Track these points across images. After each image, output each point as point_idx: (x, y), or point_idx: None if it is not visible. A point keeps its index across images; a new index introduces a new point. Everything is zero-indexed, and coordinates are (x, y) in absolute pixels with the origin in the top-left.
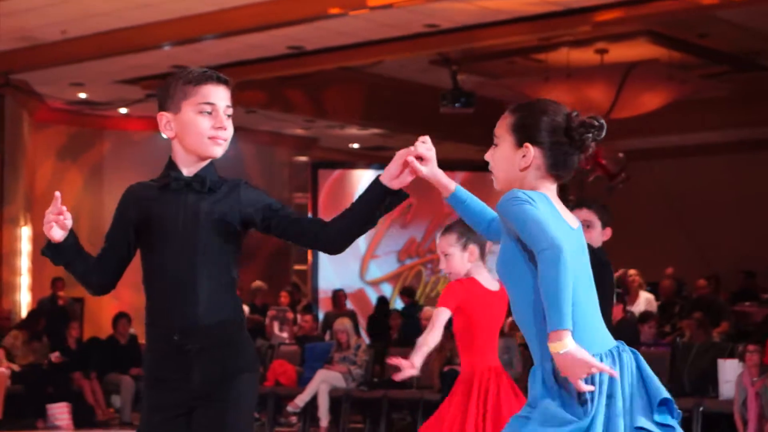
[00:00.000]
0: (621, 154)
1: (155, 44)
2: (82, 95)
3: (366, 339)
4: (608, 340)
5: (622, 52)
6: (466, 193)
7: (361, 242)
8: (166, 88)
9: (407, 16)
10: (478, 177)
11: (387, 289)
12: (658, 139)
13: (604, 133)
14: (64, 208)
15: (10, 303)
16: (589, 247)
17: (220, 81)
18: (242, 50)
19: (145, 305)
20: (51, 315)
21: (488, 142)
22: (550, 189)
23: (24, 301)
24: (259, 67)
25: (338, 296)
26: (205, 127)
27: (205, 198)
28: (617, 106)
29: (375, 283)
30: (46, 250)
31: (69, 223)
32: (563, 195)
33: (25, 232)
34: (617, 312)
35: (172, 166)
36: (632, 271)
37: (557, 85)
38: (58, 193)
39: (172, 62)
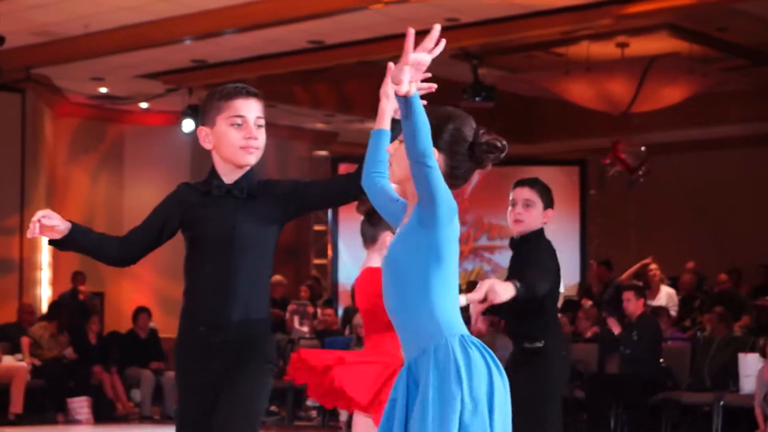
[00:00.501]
0: (642, 148)
1: (176, 39)
2: (103, 90)
3: None
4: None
5: (642, 46)
6: (388, 142)
7: None
8: (204, 105)
9: (427, 9)
10: (499, 171)
11: None
12: (678, 133)
13: (504, 155)
14: (40, 222)
15: (31, 298)
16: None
17: (249, 94)
18: (262, 44)
19: (183, 293)
20: (71, 309)
21: (510, 136)
22: None
23: (45, 296)
24: (278, 61)
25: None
26: (236, 138)
27: (246, 204)
28: (638, 100)
29: None
30: (50, 243)
31: (57, 225)
32: (583, 188)
33: None
34: (638, 306)
35: (214, 174)
36: (653, 266)
37: (578, 79)
38: (38, 216)
39: (192, 57)
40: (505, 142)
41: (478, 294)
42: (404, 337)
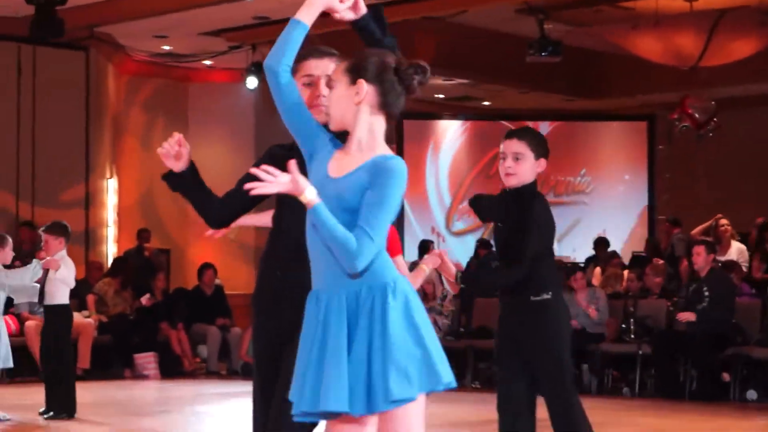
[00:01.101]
0: (712, 102)
1: None
2: (166, 47)
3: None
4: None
5: None
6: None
7: (445, 195)
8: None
9: None
10: (566, 126)
11: (470, 241)
12: (748, 87)
13: (428, 76)
14: (178, 141)
15: (96, 255)
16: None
17: (323, 54)
18: None
19: (265, 245)
20: (137, 266)
21: (576, 91)
22: (381, 125)
23: (110, 253)
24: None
25: (426, 246)
26: (307, 98)
27: None
28: (707, 54)
29: (460, 234)
30: (165, 177)
31: (185, 152)
32: (651, 144)
33: (111, 184)
34: (707, 261)
35: None
36: (724, 221)
37: (646, 33)
38: (176, 135)
39: (254, 14)
40: (426, 64)
41: (432, 264)
42: (324, 271)
